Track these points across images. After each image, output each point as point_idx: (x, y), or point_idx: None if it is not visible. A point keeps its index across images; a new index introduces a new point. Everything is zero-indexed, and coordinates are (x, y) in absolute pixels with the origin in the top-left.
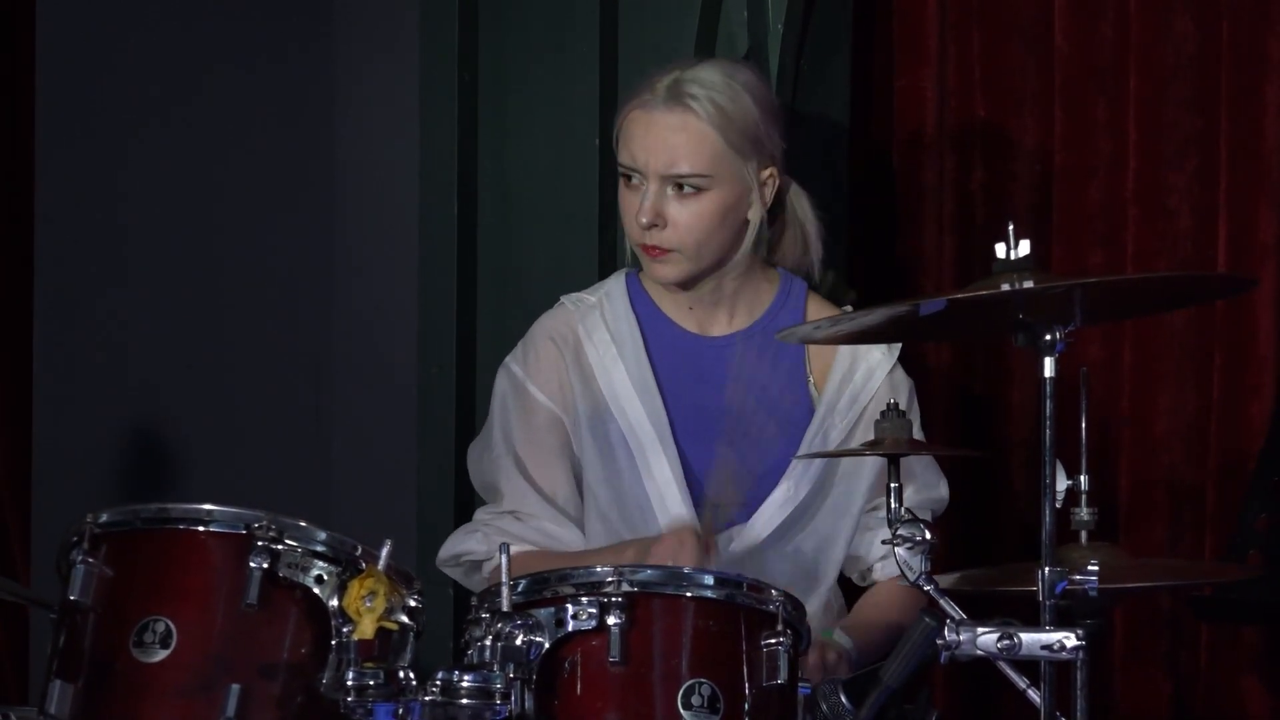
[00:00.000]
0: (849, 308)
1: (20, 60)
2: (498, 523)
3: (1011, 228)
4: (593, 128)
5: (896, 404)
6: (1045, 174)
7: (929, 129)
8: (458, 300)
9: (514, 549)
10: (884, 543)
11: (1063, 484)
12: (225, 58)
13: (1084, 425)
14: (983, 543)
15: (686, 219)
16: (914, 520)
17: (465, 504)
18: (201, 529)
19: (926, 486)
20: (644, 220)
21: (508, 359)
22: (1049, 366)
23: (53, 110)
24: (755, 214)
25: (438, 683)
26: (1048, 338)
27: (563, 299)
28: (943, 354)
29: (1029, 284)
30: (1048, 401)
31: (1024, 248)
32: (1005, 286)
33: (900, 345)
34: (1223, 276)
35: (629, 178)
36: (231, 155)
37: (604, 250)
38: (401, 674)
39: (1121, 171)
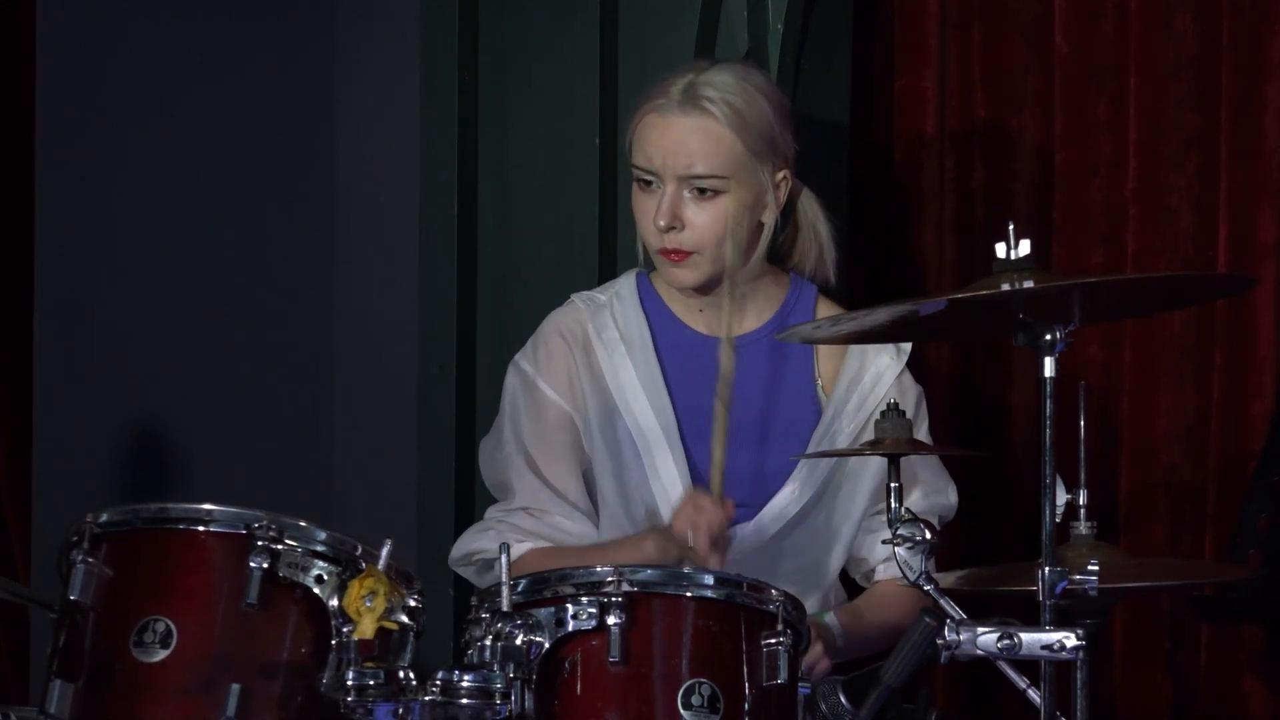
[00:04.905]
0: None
1: (20, 60)
2: (510, 519)
3: (1012, 227)
4: (593, 128)
5: (897, 404)
6: (1046, 174)
7: (929, 129)
8: (458, 300)
9: (527, 545)
10: (884, 543)
11: (1062, 498)
12: (225, 58)
13: (1082, 439)
14: (983, 543)
15: (705, 221)
16: (914, 520)
17: (465, 504)
18: (201, 529)
19: (935, 492)
20: (662, 222)
21: (517, 356)
22: (1049, 366)
23: (53, 110)
24: (770, 216)
25: (438, 683)
26: (1048, 338)
27: (573, 296)
28: (943, 354)
29: (1029, 284)
30: (1048, 401)
31: (1024, 247)
32: (1005, 286)
33: (909, 350)
34: (1223, 276)
35: (646, 182)
36: (231, 155)
37: (604, 250)
38: (401, 674)
39: (1122, 171)
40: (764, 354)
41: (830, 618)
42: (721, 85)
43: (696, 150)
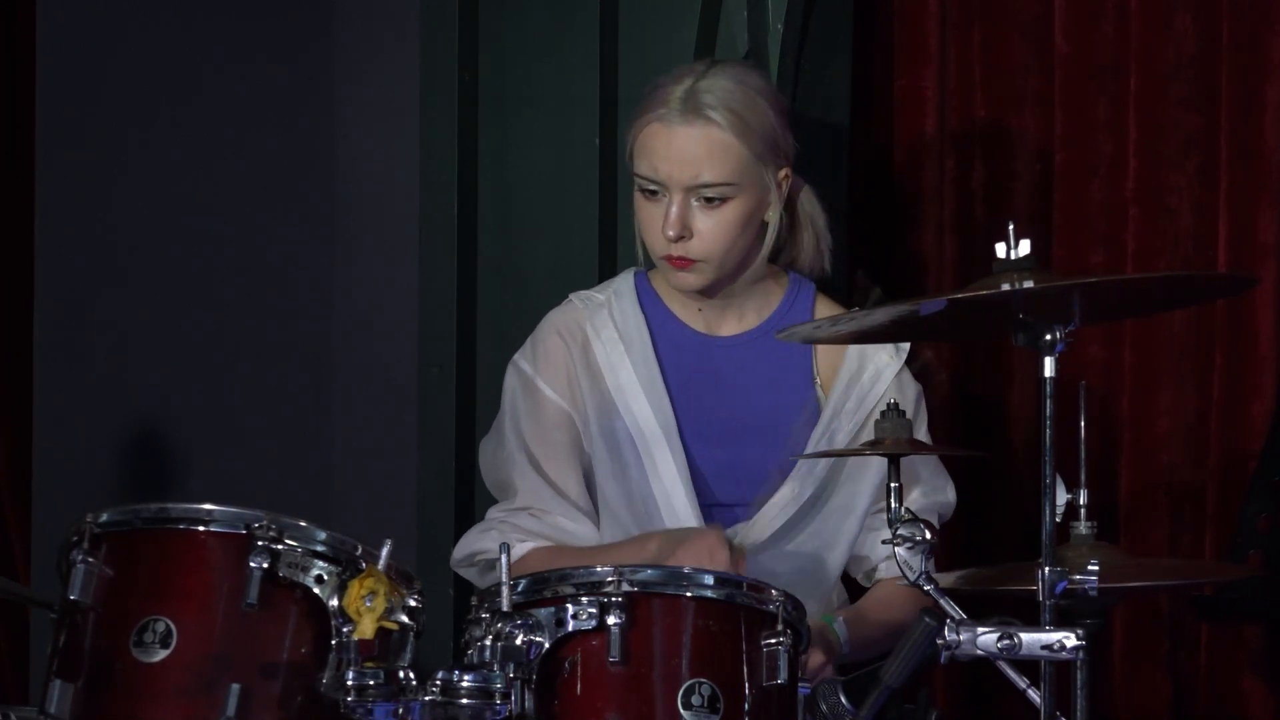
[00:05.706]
0: (857, 309)
1: (20, 60)
2: (512, 519)
3: (1012, 227)
4: (593, 128)
5: (897, 403)
6: (1046, 174)
7: (929, 129)
8: (458, 300)
9: (531, 545)
10: (884, 543)
11: (1062, 498)
12: (225, 58)
13: (1082, 439)
14: (983, 543)
15: (712, 229)
16: (914, 520)
17: (465, 504)
18: (201, 529)
19: (933, 490)
20: (671, 233)
21: (516, 356)
22: (1049, 366)
23: (53, 110)
24: (774, 215)
25: (438, 683)
26: (1048, 338)
27: (571, 296)
28: (943, 354)
29: (1029, 284)
30: (1048, 401)
31: (1024, 247)
32: (1005, 286)
33: (908, 348)
34: (1223, 276)
35: (651, 191)
36: (231, 155)
37: (604, 250)
38: (401, 674)
39: (1122, 171)
40: (762, 352)
41: (838, 623)
42: (722, 91)
43: (703, 160)
